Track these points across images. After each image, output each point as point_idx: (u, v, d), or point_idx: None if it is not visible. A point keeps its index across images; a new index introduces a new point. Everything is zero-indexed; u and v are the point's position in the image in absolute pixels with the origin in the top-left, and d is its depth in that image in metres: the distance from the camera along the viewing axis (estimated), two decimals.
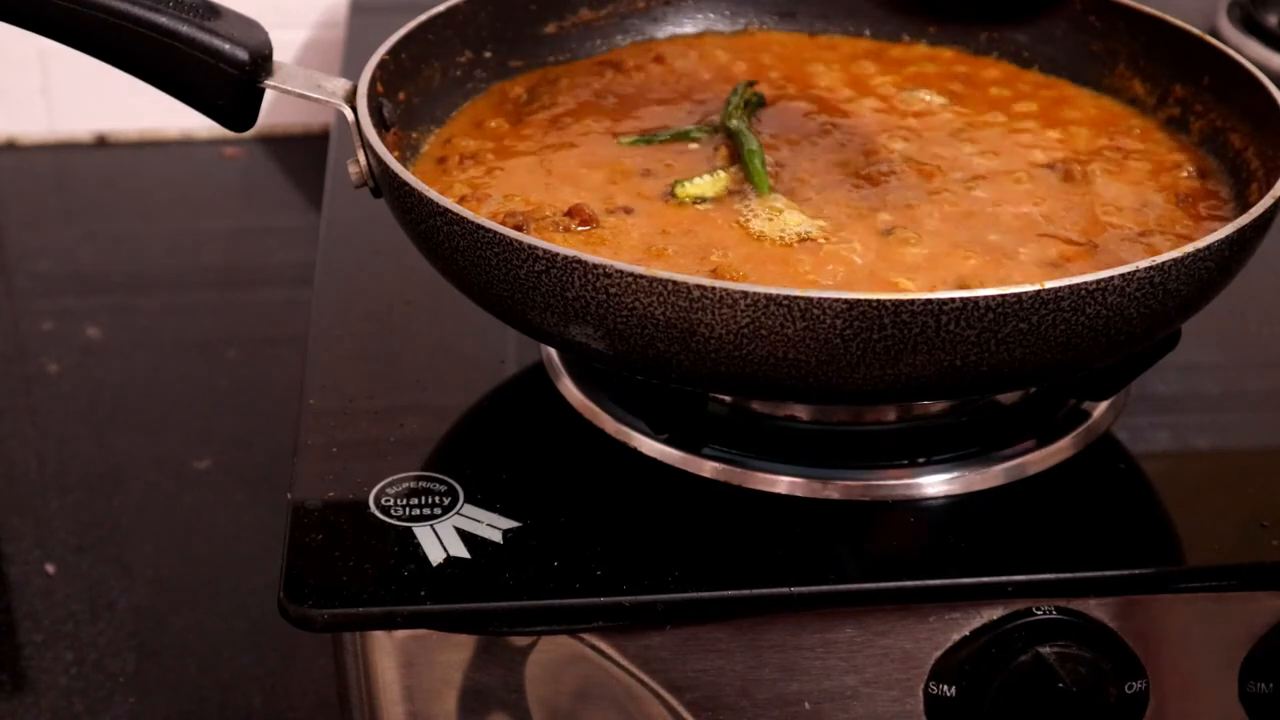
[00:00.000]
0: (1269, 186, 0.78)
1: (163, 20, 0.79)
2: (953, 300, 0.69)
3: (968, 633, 0.76)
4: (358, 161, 0.83)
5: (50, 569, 1.01)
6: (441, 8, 0.93)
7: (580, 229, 0.81)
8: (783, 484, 0.80)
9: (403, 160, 0.86)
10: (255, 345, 1.20)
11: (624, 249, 0.80)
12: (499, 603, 0.73)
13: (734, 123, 0.90)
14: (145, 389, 1.16)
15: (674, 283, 0.70)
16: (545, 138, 0.91)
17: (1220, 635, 0.77)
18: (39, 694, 0.93)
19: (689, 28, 1.04)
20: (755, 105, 0.94)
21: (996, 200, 0.86)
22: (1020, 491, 0.81)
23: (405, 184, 0.76)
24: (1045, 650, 0.74)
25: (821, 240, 0.82)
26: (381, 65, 0.87)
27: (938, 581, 0.75)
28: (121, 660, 0.95)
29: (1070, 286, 0.70)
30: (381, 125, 0.84)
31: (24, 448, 1.11)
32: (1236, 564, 0.76)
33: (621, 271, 0.70)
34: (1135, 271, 0.71)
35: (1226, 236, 0.74)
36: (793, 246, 0.81)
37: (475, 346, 0.91)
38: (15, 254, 1.31)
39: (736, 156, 0.88)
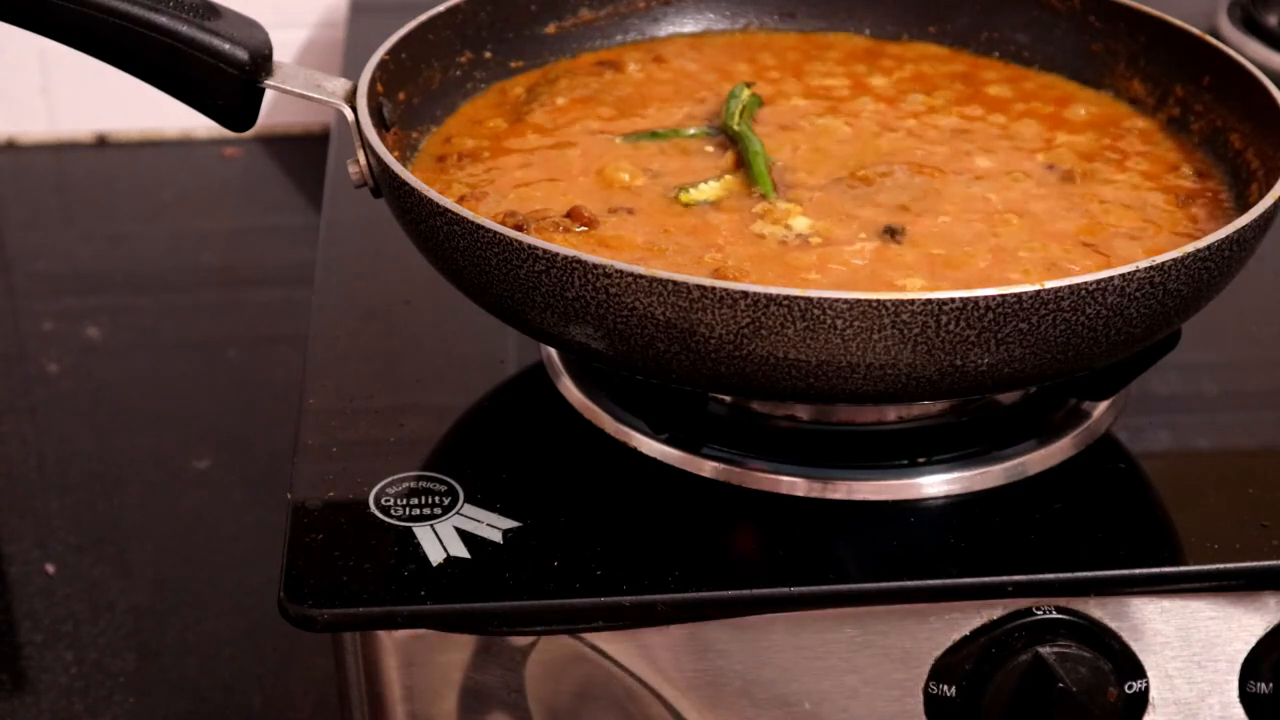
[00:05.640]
0: (1269, 186, 0.79)
1: (163, 20, 0.79)
2: (953, 300, 0.69)
3: (968, 633, 0.76)
4: (358, 161, 0.83)
5: (50, 569, 1.01)
6: (441, 8, 0.93)
7: (580, 229, 0.81)
8: (783, 484, 0.80)
9: (402, 160, 0.86)
10: (255, 345, 1.20)
11: (624, 249, 0.80)
12: (499, 603, 0.73)
13: (737, 124, 0.90)
14: (145, 389, 1.16)
15: (674, 283, 0.70)
16: (545, 137, 0.91)
17: (1220, 635, 0.77)
18: (39, 694, 0.93)
19: (689, 27, 1.04)
20: (754, 106, 0.94)
21: (996, 200, 0.86)
22: (1020, 491, 0.81)
23: (405, 184, 0.77)
24: (1045, 650, 0.74)
25: (822, 240, 0.82)
26: (381, 65, 0.87)
27: (938, 581, 0.75)
28: (121, 660, 0.95)
29: (1070, 286, 0.70)
30: (381, 125, 0.84)
31: (24, 448, 1.11)
32: (1236, 564, 0.76)
33: (621, 271, 0.70)
34: (1135, 271, 0.71)
35: (1226, 236, 0.74)
36: (793, 247, 0.81)
37: (475, 346, 0.91)
38: (15, 254, 1.31)
39: (739, 158, 0.88)
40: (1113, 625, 0.76)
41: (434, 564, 0.75)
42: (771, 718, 0.77)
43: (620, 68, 0.99)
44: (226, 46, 0.80)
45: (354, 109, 0.82)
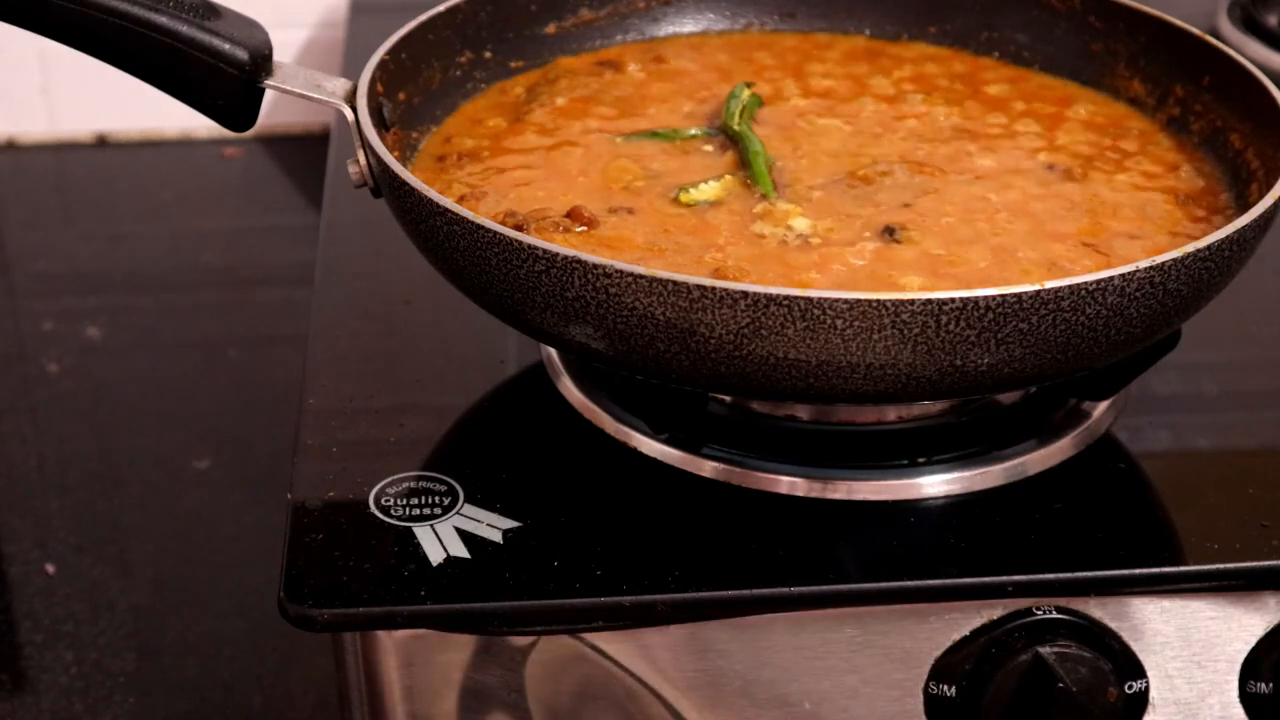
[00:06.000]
0: (1269, 186, 0.78)
1: (163, 20, 0.79)
2: (953, 300, 0.69)
3: (968, 633, 0.76)
4: (358, 161, 0.83)
5: (50, 569, 1.01)
6: (441, 8, 0.93)
7: (580, 229, 0.81)
8: (783, 484, 0.80)
9: (402, 160, 0.86)
10: (255, 345, 1.20)
11: (624, 249, 0.80)
12: (499, 603, 0.73)
13: (737, 124, 0.91)
14: (145, 389, 1.16)
15: (674, 283, 0.70)
16: (545, 137, 0.91)
17: (1220, 635, 0.77)
18: (39, 694, 0.93)
19: (689, 27, 1.04)
20: (754, 106, 0.94)
21: (996, 200, 0.86)
22: (1020, 491, 0.81)
23: (405, 184, 0.77)
24: (1045, 650, 0.74)
25: (822, 241, 0.82)
26: (381, 65, 0.87)
27: (938, 581, 0.75)
28: (121, 660, 0.95)
29: (1070, 286, 0.70)
30: (381, 125, 0.84)
31: (24, 448, 1.11)
32: (1236, 564, 0.76)
33: (621, 271, 0.70)
34: (1135, 271, 0.71)
35: (1226, 236, 0.74)
36: (793, 247, 0.81)
37: (475, 346, 0.91)
38: (15, 254, 1.31)
39: (739, 158, 0.88)
40: (1113, 625, 0.76)
41: (434, 564, 0.75)
42: (771, 718, 0.77)
43: (620, 68, 0.99)
44: (226, 46, 0.80)
45: (354, 109, 0.82)
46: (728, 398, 0.84)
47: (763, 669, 0.76)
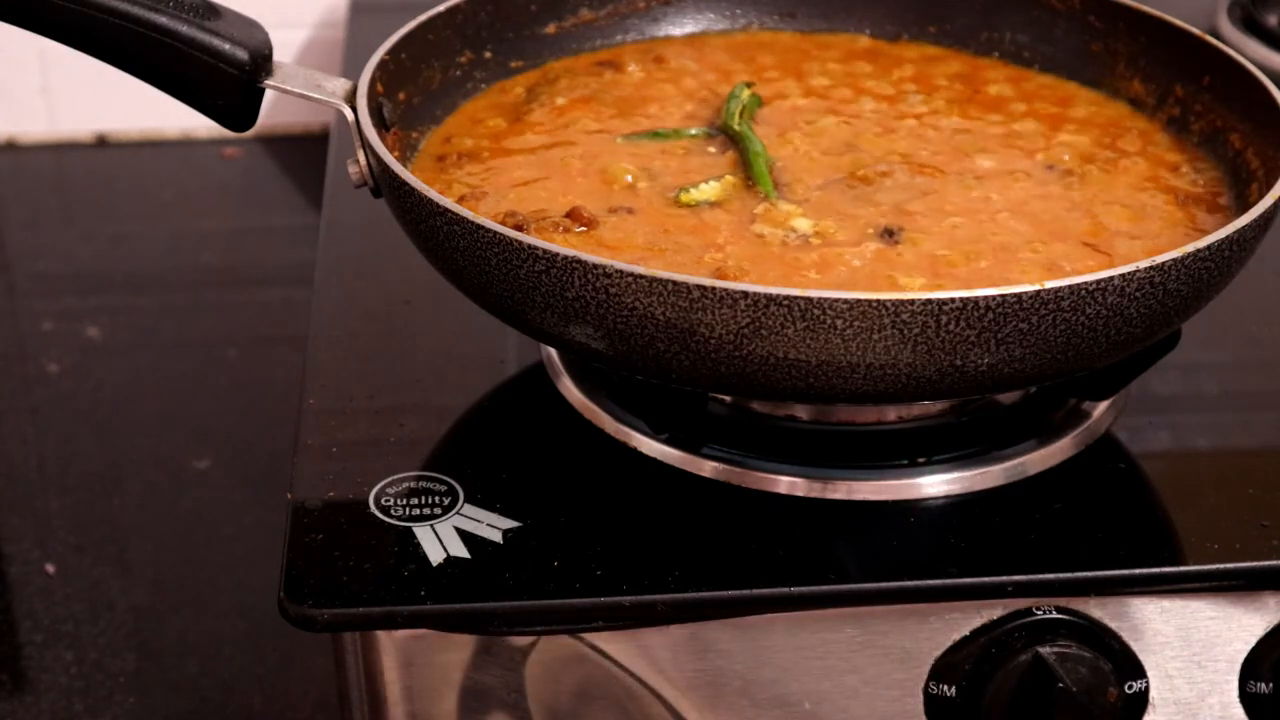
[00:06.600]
0: (1269, 186, 0.79)
1: (163, 20, 0.79)
2: (953, 300, 0.69)
3: (968, 633, 0.76)
4: (358, 161, 0.83)
5: (50, 569, 1.01)
6: (441, 8, 0.93)
7: (580, 230, 0.81)
8: (783, 484, 0.80)
9: (402, 160, 0.86)
10: (255, 345, 1.20)
11: (624, 249, 0.80)
12: (499, 603, 0.73)
13: (737, 124, 0.91)
14: (145, 389, 1.16)
15: (674, 283, 0.70)
16: (545, 137, 0.91)
17: (1220, 635, 0.77)
18: (39, 694, 0.93)
19: (689, 27, 1.04)
20: (754, 106, 0.94)
21: (996, 200, 0.86)
22: (1020, 491, 0.81)
23: (405, 184, 0.77)
24: (1045, 650, 0.74)
25: (822, 241, 0.82)
26: (381, 65, 0.87)
27: (938, 581, 0.75)
28: (121, 660, 0.95)
29: (1070, 286, 0.70)
30: (381, 125, 0.84)
31: (24, 448, 1.11)
32: (1236, 564, 0.76)
33: (621, 271, 0.70)
34: (1135, 271, 0.71)
35: (1226, 236, 0.74)
36: (793, 247, 0.81)
37: (475, 346, 0.91)
38: (15, 254, 1.31)
39: (740, 158, 0.88)
40: (1113, 625, 0.76)
41: (434, 564, 0.75)
42: (771, 718, 0.77)
43: (620, 68, 0.99)
44: (226, 46, 0.80)
45: (354, 109, 0.82)
46: (728, 398, 0.84)
47: (763, 669, 0.76)
